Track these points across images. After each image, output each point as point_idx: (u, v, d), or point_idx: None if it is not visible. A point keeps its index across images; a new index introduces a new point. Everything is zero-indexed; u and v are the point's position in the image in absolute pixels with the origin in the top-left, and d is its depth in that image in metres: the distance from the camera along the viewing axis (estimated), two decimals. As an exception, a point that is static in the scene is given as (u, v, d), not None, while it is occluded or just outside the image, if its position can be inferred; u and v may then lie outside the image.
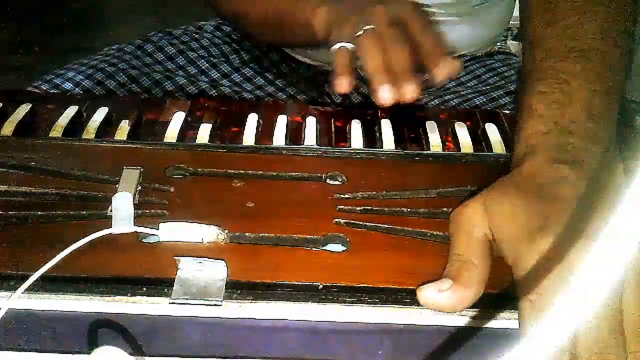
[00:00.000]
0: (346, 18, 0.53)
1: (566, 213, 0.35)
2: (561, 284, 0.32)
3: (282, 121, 0.53)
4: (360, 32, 0.49)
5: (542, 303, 0.32)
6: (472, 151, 0.50)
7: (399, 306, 0.35)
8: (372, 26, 0.50)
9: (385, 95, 0.47)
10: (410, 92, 0.47)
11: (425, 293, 0.34)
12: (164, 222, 0.38)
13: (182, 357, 0.34)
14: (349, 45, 0.50)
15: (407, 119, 0.55)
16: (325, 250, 0.38)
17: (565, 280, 0.32)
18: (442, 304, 0.34)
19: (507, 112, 0.56)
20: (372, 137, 0.52)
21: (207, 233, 0.38)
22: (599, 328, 0.30)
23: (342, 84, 0.48)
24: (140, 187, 0.42)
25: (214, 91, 0.71)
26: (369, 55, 0.49)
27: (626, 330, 0.31)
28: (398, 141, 0.51)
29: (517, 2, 0.73)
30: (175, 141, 0.50)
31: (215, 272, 0.35)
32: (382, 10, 0.51)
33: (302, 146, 0.50)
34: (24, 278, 0.33)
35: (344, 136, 0.53)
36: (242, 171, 0.45)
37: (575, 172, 0.37)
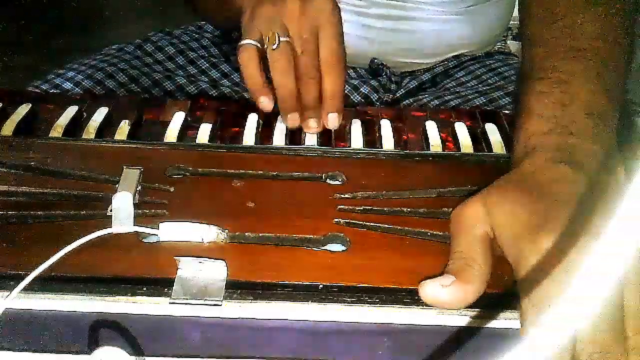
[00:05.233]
0: (264, 10, 0.54)
1: (567, 212, 0.35)
2: (562, 283, 0.32)
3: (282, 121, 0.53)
4: (274, 46, 0.51)
5: (543, 303, 0.32)
6: (472, 151, 0.50)
7: (399, 306, 0.35)
8: (287, 39, 0.52)
9: (292, 123, 0.52)
10: (312, 127, 0.52)
11: (428, 289, 0.34)
12: (163, 222, 0.38)
13: (182, 357, 0.34)
14: (257, 44, 0.53)
15: (407, 119, 0.55)
16: (325, 250, 0.38)
17: (566, 280, 0.32)
18: (445, 300, 0.34)
19: (507, 112, 0.56)
20: (372, 137, 0.52)
21: (207, 233, 0.38)
22: (600, 328, 0.30)
23: (266, 104, 0.52)
24: (140, 187, 0.42)
25: (214, 91, 0.71)
26: (280, 77, 0.52)
27: (627, 328, 0.31)
28: (398, 141, 0.51)
29: (516, 1, 0.74)
30: (175, 141, 0.50)
31: (215, 272, 0.35)
32: (298, 10, 0.52)
33: (302, 146, 0.50)
34: (24, 278, 0.33)
35: (344, 136, 0.53)
36: (242, 171, 0.45)
37: (575, 171, 0.37)
